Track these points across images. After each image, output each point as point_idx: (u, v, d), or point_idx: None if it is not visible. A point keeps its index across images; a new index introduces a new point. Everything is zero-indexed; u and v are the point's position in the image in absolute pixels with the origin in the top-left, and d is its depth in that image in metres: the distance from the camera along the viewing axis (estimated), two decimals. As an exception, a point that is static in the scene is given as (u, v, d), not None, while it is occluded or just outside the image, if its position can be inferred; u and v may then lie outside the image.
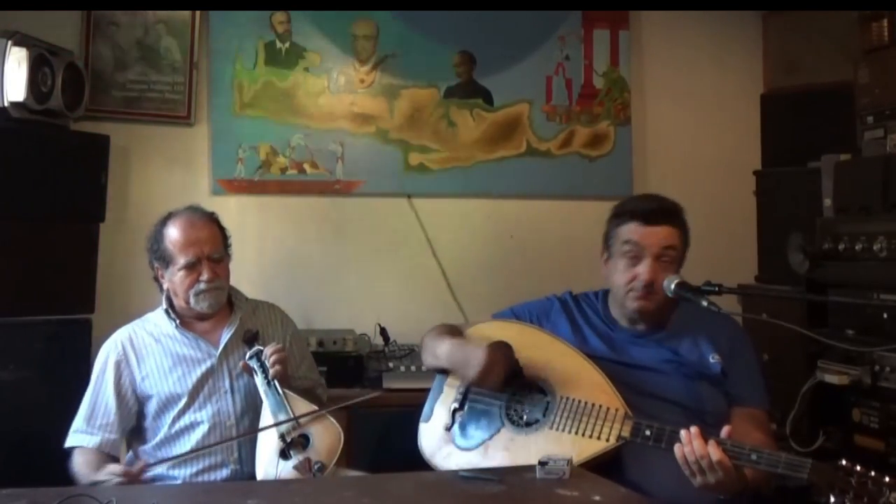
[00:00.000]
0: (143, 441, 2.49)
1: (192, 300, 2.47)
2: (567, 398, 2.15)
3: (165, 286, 2.54)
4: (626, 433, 2.05)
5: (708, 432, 2.09)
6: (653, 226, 2.22)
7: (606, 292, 2.38)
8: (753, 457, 1.87)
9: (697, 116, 3.86)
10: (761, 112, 3.73)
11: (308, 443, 2.30)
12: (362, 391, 3.18)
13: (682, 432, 1.94)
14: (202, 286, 2.46)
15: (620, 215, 2.29)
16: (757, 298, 3.22)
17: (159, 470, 2.39)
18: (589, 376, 2.16)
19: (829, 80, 3.43)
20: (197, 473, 2.42)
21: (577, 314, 2.37)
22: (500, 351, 2.17)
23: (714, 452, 1.88)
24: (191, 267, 2.46)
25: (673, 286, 2.16)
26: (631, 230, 2.24)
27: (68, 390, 2.77)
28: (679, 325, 2.28)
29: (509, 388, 2.21)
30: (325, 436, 2.31)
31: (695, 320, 2.27)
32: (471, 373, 2.16)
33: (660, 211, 2.24)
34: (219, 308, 2.52)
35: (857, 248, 2.71)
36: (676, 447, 1.94)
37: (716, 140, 3.84)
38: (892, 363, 2.52)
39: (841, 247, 2.77)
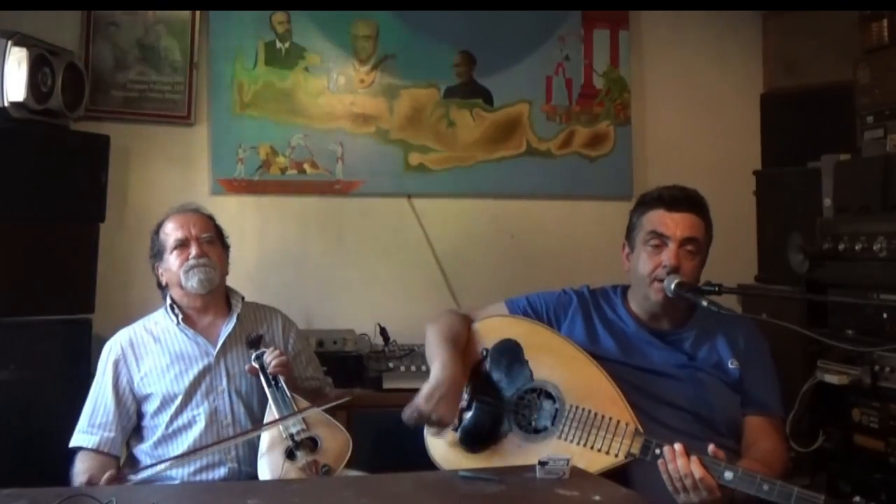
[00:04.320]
0: (141, 440, 2.50)
1: (182, 279, 2.51)
2: (577, 407, 2.13)
3: (164, 281, 2.58)
4: (635, 450, 2.03)
5: (718, 442, 2.09)
6: (678, 212, 2.20)
7: (625, 288, 2.35)
8: (766, 487, 1.81)
9: (697, 116, 3.86)
10: (761, 112, 3.73)
11: (317, 445, 2.30)
12: (363, 391, 3.20)
13: (666, 448, 1.93)
14: (191, 262, 2.50)
15: (645, 203, 2.28)
16: (757, 298, 3.22)
17: (157, 469, 2.39)
18: (601, 386, 2.13)
19: (829, 80, 3.42)
20: (195, 472, 2.42)
21: (594, 311, 2.33)
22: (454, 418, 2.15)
23: (697, 470, 1.86)
24: (181, 247, 2.52)
25: (673, 286, 2.14)
26: (656, 216, 2.22)
27: (68, 390, 2.78)
28: (697, 328, 2.26)
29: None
30: (334, 440, 2.33)
31: (712, 323, 2.23)
32: (426, 408, 2.12)
33: (685, 199, 2.23)
34: (210, 287, 2.52)
35: (857, 248, 2.71)
36: (660, 462, 1.92)
37: (716, 140, 3.84)
38: (892, 363, 2.51)
39: (841, 247, 2.76)
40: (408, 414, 2.16)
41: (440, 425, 2.16)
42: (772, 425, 2.21)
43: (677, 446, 1.91)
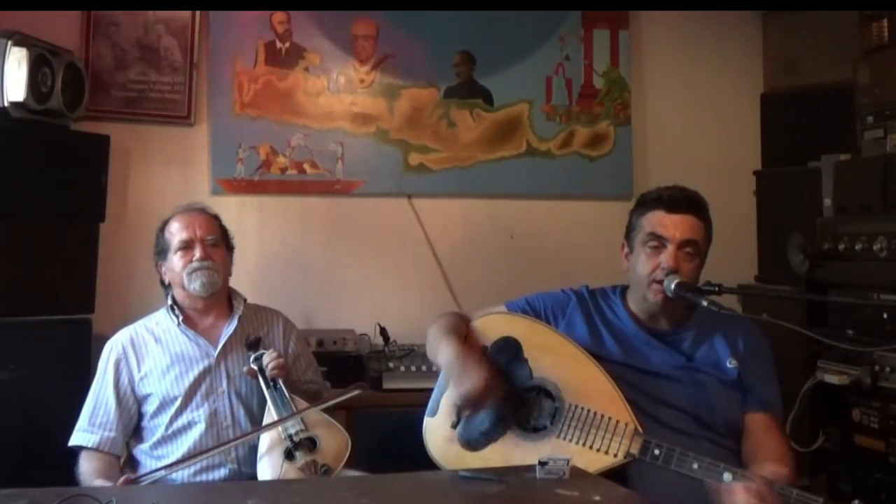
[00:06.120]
0: (141, 440, 2.50)
1: (185, 281, 2.50)
2: (576, 406, 2.13)
3: (167, 280, 2.57)
4: (634, 450, 2.03)
5: (717, 442, 2.09)
6: (677, 214, 2.19)
7: (625, 288, 2.34)
8: None
9: (697, 116, 3.86)
10: (761, 112, 3.73)
11: (315, 445, 2.30)
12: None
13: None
14: (195, 264, 2.50)
15: (645, 203, 2.26)
16: (757, 298, 3.22)
17: (159, 476, 2.39)
18: (600, 386, 2.13)
19: (829, 80, 3.42)
20: (195, 474, 2.42)
21: (594, 311, 2.33)
22: (494, 381, 2.12)
23: None
24: (185, 248, 2.52)
25: (673, 286, 2.14)
26: (655, 218, 2.21)
27: (68, 390, 2.77)
28: (696, 328, 2.25)
29: (494, 412, 2.16)
30: (333, 440, 2.33)
31: (712, 323, 2.23)
32: (461, 391, 2.11)
33: (684, 200, 2.21)
34: (213, 290, 2.52)
35: (857, 248, 2.71)
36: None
37: (716, 140, 3.84)
38: (892, 363, 2.52)
39: (841, 247, 2.77)
40: (453, 414, 2.14)
41: (482, 398, 2.10)
42: (775, 423, 2.21)
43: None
